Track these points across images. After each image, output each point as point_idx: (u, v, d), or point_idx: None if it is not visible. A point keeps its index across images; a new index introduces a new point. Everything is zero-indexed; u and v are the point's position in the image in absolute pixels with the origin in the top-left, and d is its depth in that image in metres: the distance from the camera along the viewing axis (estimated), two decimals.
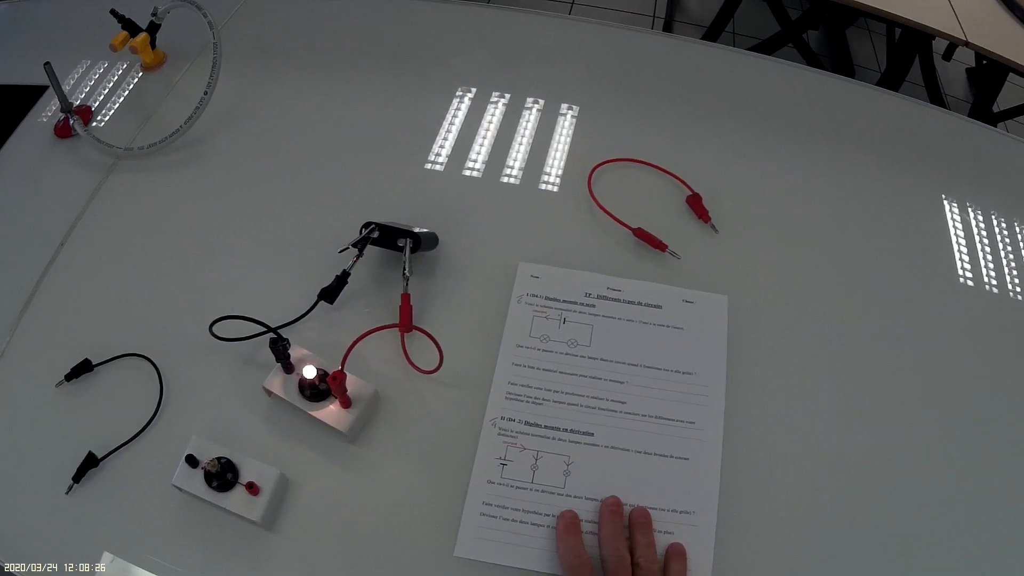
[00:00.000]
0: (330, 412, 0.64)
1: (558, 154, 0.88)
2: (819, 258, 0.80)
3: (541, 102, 0.94)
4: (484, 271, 0.77)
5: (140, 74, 0.97)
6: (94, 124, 0.91)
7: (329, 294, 0.72)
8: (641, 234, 0.77)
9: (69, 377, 0.69)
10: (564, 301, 0.73)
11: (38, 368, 0.70)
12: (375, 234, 0.73)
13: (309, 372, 0.64)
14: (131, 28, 0.93)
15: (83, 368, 0.69)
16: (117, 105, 0.93)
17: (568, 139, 0.90)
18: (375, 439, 0.66)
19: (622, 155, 0.86)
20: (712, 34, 2.24)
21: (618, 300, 0.74)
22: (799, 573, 0.62)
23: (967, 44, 1.39)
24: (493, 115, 0.92)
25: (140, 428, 0.66)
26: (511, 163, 0.87)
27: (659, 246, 0.77)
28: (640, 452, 0.66)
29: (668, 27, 2.56)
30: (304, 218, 0.81)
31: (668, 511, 0.63)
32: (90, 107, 0.92)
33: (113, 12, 0.92)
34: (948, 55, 2.55)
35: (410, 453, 0.66)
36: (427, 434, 0.67)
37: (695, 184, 0.83)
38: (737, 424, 0.68)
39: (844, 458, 0.67)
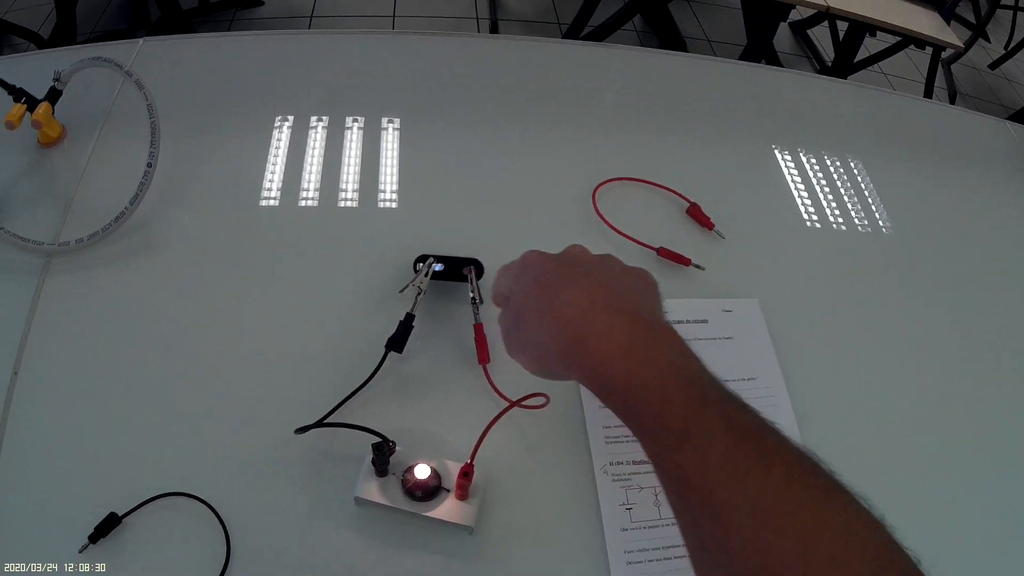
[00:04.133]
0: (449, 509, 0.58)
1: (550, 181, 0.86)
2: (825, 244, 0.86)
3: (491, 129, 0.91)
4: None
5: (37, 153, 0.81)
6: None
7: (397, 342, 0.66)
8: (664, 252, 0.78)
9: (94, 537, 0.55)
10: None
11: (49, 535, 0.56)
12: (438, 267, 0.68)
13: (423, 472, 0.58)
14: (26, 99, 0.77)
15: (110, 524, 0.56)
16: (23, 192, 0.77)
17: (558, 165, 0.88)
18: (491, 520, 0.61)
19: (611, 175, 0.86)
20: (576, 30, 2.30)
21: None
22: None
23: (828, 10, 1.61)
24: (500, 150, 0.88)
25: None
26: (520, 192, 0.85)
27: (683, 261, 0.78)
28: None
29: (494, 28, 2.61)
30: (311, 273, 0.74)
31: None
32: None
33: (1, 82, 0.77)
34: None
35: (532, 523, 0.62)
36: (542, 497, 0.63)
37: (688, 192, 0.86)
38: (804, 417, 0.71)
39: (915, 438, 0.73)
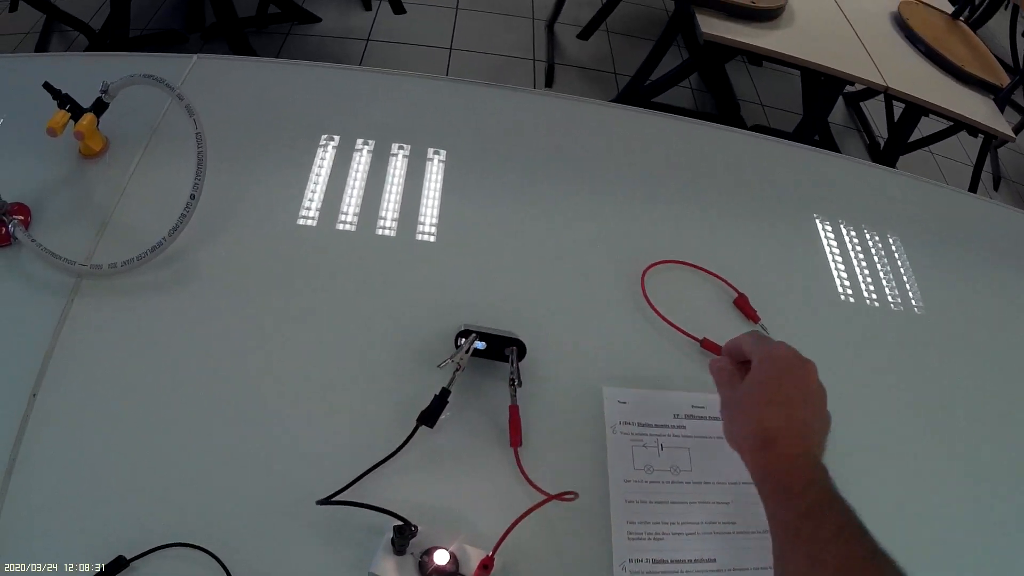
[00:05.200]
0: None
1: (597, 254, 0.84)
2: (861, 322, 0.85)
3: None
4: (560, 387, 0.72)
5: (78, 164, 0.80)
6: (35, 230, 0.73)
7: (430, 416, 0.63)
8: (708, 345, 0.76)
9: None
10: (657, 426, 0.70)
11: (54, 569, 0.54)
12: (480, 345, 0.66)
13: (442, 558, 0.56)
14: (72, 107, 0.76)
15: (117, 567, 0.54)
16: (59, 206, 0.76)
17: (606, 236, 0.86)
18: None
19: (658, 252, 0.84)
20: (635, 85, 2.29)
21: (704, 417, 0.72)
22: None
23: (887, 90, 1.61)
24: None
25: None
26: (566, 262, 0.82)
27: None
28: (760, 568, 0.65)
29: (550, 71, 2.60)
30: (346, 324, 0.72)
31: None
32: (26, 206, 0.74)
33: (47, 86, 0.75)
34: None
35: None
36: None
37: (735, 279, 0.83)
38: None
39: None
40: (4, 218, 0.71)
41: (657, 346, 0.77)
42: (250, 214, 0.79)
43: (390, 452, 0.62)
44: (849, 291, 0.89)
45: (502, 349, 0.68)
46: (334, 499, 0.57)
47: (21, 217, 0.72)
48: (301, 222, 0.79)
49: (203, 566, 0.56)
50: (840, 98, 2.83)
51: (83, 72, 0.79)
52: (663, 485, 0.67)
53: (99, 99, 0.77)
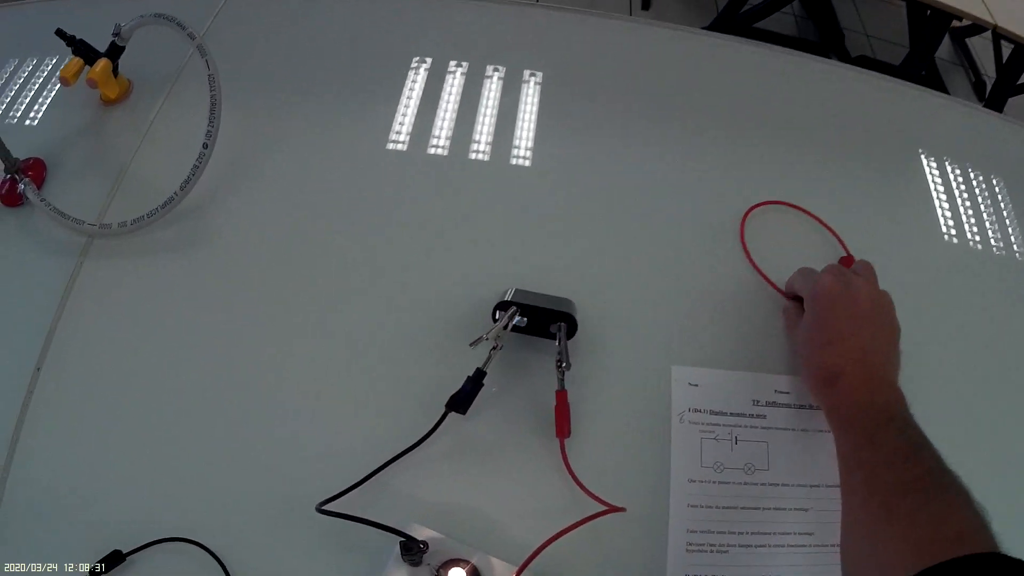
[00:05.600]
0: None
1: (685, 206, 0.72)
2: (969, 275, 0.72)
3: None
4: (620, 366, 0.61)
5: (98, 111, 0.74)
6: (50, 187, 0.68)
7: (461, 402, 0.54)
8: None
9: (96, 573, 0.49)
10: (732, 414, 0.59)
11: (51, 559, 0.50)
12: (520, 321, 0.56)
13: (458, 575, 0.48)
14: (86, 53, 0.69)
15: (114, 560, 0.50)
16: (76, 159, 0.70)
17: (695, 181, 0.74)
18: None
19: (758, 199, 0.72)
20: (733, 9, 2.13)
21: (788, 405, 0.61)
22: None
23: (996, 28, 1.54)
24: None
25: None
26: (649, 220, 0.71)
27: None
28: None
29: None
30: (377, 299, 0.63)
31: None
32: (42, 161, 0.68)
33: (60, 32, 0.69)
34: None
35: None
36: None
37: (845, 231, 0.71)
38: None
39: None
40: (17, 176, 0.65)
41: (744, 314, 0.66)
42: (277, 165, 0.71)
43: (413, 442, 0.54)
44: (953, 233, 0.75)
45: (548, 325, 0.58)
46: (334, 512, 0.49)
47: (32, 174, 0.66)
48: (332, 189, 0.70)
49: (201, 563, 0.50)
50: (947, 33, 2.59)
51: (107, 15, 0.72)
52: (734, 486, 0.57)
53: (112, 43, 0.71)
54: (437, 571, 0.49)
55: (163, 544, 0.51)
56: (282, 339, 0.61)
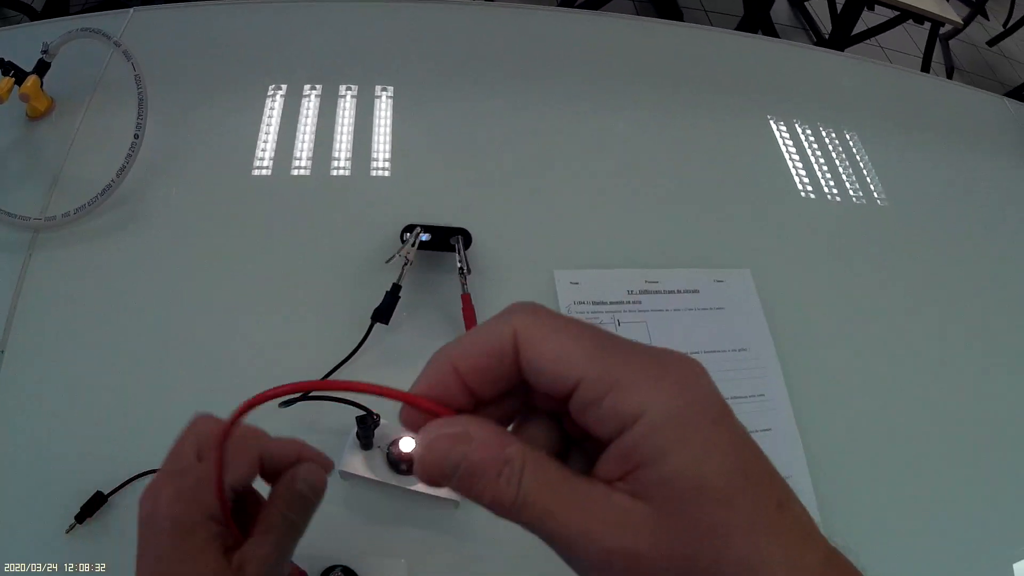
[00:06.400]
0: None
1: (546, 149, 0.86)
2: (819, 214, 0.87)
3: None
4: (513, 270, 0.74)
5: (25, 127, 0.81)
6: None
7: (383, 313, 0.65)
8: None
9: (81, 517, 0.55)
10: (612, 303, 0.72)
11: (34, 516, 0.56)
12: (424, 237, 0.68)
13: (408, 445, 0.56)
14: (14, 72, 0.76)
15: (96, 503, 0.55)
16: (12, 168, 0.77)
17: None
18: None
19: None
20: None
21: (659, 292, 0.74)
22: (894, 512, 0.67)
23: None
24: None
25: None
26: (508, 161, 0.84)
27: None
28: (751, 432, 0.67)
29: None
30: (299, 244, 0.73)
31: None
32: None
33: None
34: None
35: None
36: None
37: (686, 162, 0.86)
38: (796, 385, 0.71)
39: (900, 392, 0.74)
40: None
41: (605, 226, 0.79)
42: (202, 150, 0.80)
43: (348, 354, 0.64)
44: (809, 188, 0.90)
45: (447, 239, 0.70)
46: (295, 399, 0.58)
47: None
48: (257, 153, 0.80)
49: None
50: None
51: (26, 40, 0.79)
52: None
53: (41, 60, 0.78)
54: (388, 449, 0.58)
55: (140, 479, 0.57)
56: (222, 291, 0.70)
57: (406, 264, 0.67)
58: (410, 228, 0.69)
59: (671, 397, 0.24)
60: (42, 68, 0.78)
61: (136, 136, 0.73)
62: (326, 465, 0.40)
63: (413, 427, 0.26)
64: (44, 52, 0.77)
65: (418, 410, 0.26)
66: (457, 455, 0.24)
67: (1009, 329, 0.82)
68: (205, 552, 0.33)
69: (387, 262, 0.67)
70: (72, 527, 0.55)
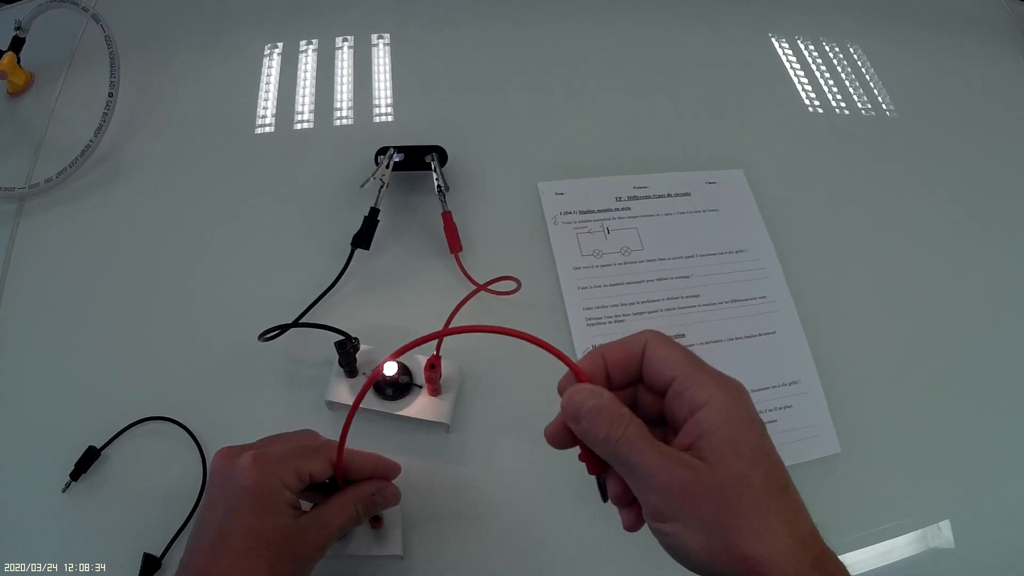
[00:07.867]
0: (422, 406, 0.56)
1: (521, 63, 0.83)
2: (812, 118, 0.82)
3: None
4: (497, 187, 0.72)
5: (5, 102, 0.81)
6: None
7: (362, 238, 0.63)
8: None
9: (75, 474, 0.55)
10: (599, 211, 0.70)
11: (29, 479, 0.56)
12: (398, 157, 0.66)
13: (391, 369, 0.55)
14: None
15: (89, 458, 0.56)
16: None
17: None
18: (470, 417, 0.59)
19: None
20: None
21: (648, 197, 0.71)
22: (903, 410, 0.64)
23: None
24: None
25: (193, 505, 0.55)
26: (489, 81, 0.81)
27: None
28: (732, 339, 0.64)
29: None
30: (276, 188, 0.72)
31: (779, 386, 0.62)
32: None
33: None
34: None
35: (514, 418, 0.60)
36: (523, 390, 0.60)
37: (680, 71, 0.82)
38: (800, 287, 0.68)
39: (903, 293, 0.70)
40: None
41: (589, 135, 0.77)
42: (182, 104, 0.79)
43: (331, 283, 0.63)
44: (817, 104, 0.85)
45: (423, 158, 0.68)
46: (273, 330, 0.57)
47: None
48: (229, 113, 0.79)
49: (168, 436, 0.58)
50: None
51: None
52: (616, 267, 0.67)
53: (15, 36, 0.78)
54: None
55: (130, 430, 0.57)
56: (205, 233, 0.69)
57: (383, 187, 0.65)
58: (383, 150, 0.67)
59: (727, 397, 0.36)
60: (17, 44, 0.78)
61: (111, 95, 0.73)
62: (395, 471, 0.51)
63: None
64: (17, 28, 0.77)
65: (576, 378, 0.39)
66: (590, 402, 0.37)
67: (1016, 220, 0.78)
68: (278, 510, 0.44)
69: (362, 187, 0.65)
70: (68, 485, 0.55)
